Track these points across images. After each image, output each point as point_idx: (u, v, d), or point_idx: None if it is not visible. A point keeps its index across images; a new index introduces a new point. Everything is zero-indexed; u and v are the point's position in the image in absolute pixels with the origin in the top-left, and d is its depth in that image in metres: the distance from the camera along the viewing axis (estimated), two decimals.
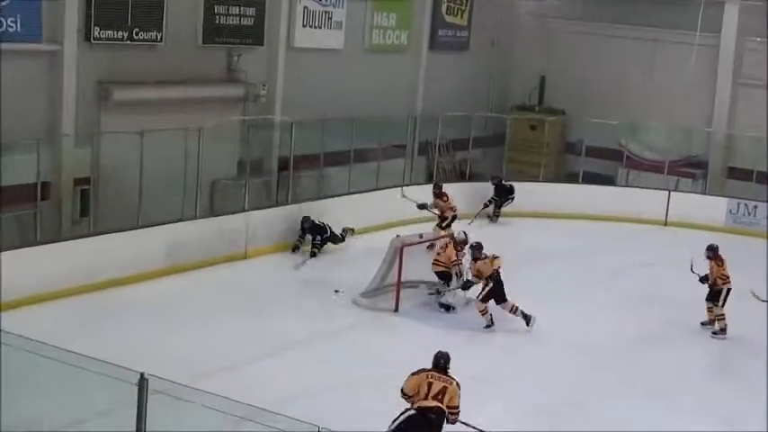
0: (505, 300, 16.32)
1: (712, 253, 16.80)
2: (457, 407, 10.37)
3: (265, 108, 22.52)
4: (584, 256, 21.55)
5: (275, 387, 12.32)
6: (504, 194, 24.62)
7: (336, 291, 17.04)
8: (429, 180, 25.81)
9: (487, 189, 24.63)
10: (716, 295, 16.63)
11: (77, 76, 18.42)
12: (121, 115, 19.02)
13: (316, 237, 19.89)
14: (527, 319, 16.17)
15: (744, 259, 19.38)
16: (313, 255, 19.65)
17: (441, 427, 10.27)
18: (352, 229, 20.64)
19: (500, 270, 16.34)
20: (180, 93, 20.35)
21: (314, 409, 11.04)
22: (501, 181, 24.85)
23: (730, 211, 25.23)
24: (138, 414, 6.98)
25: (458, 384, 10.45)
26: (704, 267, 16.82)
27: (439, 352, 10.77)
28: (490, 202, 24.45)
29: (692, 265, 16.66)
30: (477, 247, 16.68)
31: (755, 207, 25.00)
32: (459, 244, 17.38)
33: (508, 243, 21.96)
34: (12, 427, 7.52)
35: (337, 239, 20.31)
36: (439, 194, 21.60)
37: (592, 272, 20.04)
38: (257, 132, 21.77)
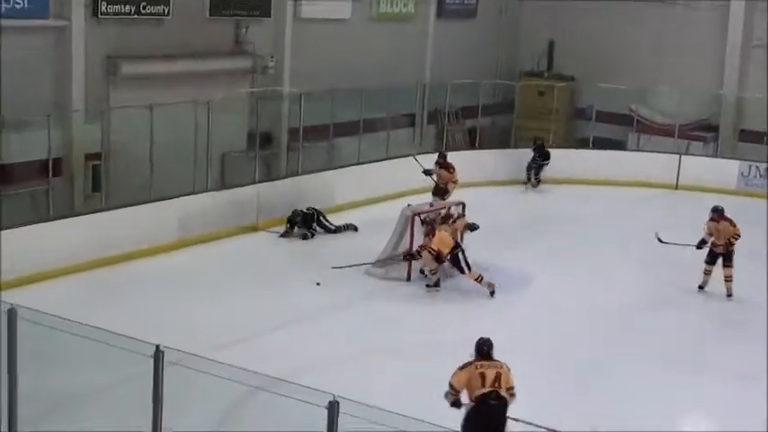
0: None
1: (718, 215, 16.57)
2: (513, 387, 9.86)
3: (274, 80, 22.54)
4: (596, 220, 21.56)
5: (289, 357, 12.37)
6: (544, 159, 24.47)
7: (318, 284, 16.26)
8: (439, 148, 25.84)
9: (496, 156, 24.62)
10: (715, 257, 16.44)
11: (86, 52, 18.46)
12: (130, 90, 19.07)
13: (311, 225, 19.44)
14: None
15: (756, 221, 19.37)
16: (305, 237, 19.27)
17: (505, 411, 9.74)
18: (356, 228, 19.90)
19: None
20: (188, 66, 20.37)
21: (327, 379, 11.14)
22: (543, 145, 24.70)
23: (742, 174, 25.17)
24: (154, 386, 7.06)
25: (508, 367, 9.99)
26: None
27: (481, 339, 10.15)
28: (531, 167, 24.35)
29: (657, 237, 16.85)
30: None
31: (767, 169, 24.94)
32: (467, 227, 17.10)
33: (522, 208, 22.09)
34: (29, 400, 7.61)
35: (329, 230, 19.70)
36: (444, 165, 21.11)
37: (605, 236, 20.04)
38: (266, 104, 21.79)
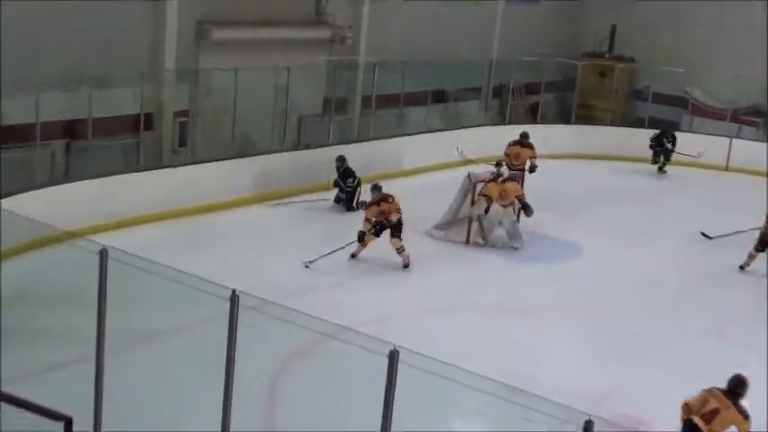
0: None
1: None
2: None
3: (350, 49, 22.54)
4: (651, 197, 21.30)
5: (351, 310, 12.45)
6: (674, 144, 23.58)
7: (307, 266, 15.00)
8: (502, 121, 25.77)
9: (560, 130, 24.39)
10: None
11: (179, 17, 18.59)
12: (218, 53, 19.20)
13: (347, 180, 18.31)
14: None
15: None
16: (338, 201, 18.40)
17: None
18: (365, 202, 17.05)
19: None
20: (272, 33, 20.42)
21: (385, 333, 11.24)
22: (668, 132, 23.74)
23: None
24: (229, 327, 7.16)
25: (745, 416, 8.73)
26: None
27: (736, 374, 9.02)
28: (658, 151, 23.54)
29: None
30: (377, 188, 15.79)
31: None
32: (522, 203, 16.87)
33: (578, 181, 21.86)
34: (114, 334, 7.78)
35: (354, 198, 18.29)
36: (527, 144, 19.60)
37: (659, 212, 19.79)
38: (342, 72, 21.87)
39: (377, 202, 15.39)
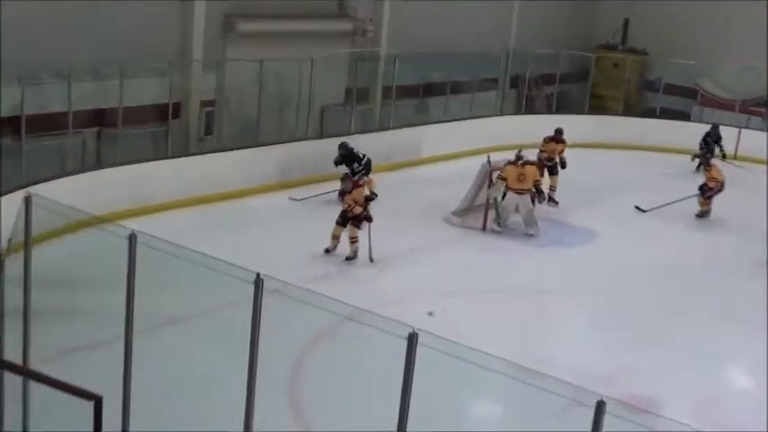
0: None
1: None
2: None
3: (371, 41, 22.43)
4: (660, 183, 21.03)
5: (370, 293, 12.39)
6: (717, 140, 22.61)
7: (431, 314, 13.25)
8: (518, 111, 25.62)
9: (575, 120, 24.24)
10: None
11: (207, 10, 18.51)
12: (244, 45, 19.12)
13: (353, 165, 17.27)
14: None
15: None
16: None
17: None
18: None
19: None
20: (296, 26, 20.33)
21: (402, 316, 11.18)
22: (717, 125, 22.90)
23: None
24: (253, 309, 7.09)
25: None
26: None
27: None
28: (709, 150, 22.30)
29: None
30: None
31: None
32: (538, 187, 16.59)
33: (593, 169, 21.67)
34: (142, 316, 7.74)
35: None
36: (560, 139, 18.94)
37: (668, 198, 19.55)
38: (363, 63, 21.77)
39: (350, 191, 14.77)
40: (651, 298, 13.95)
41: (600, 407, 5.78)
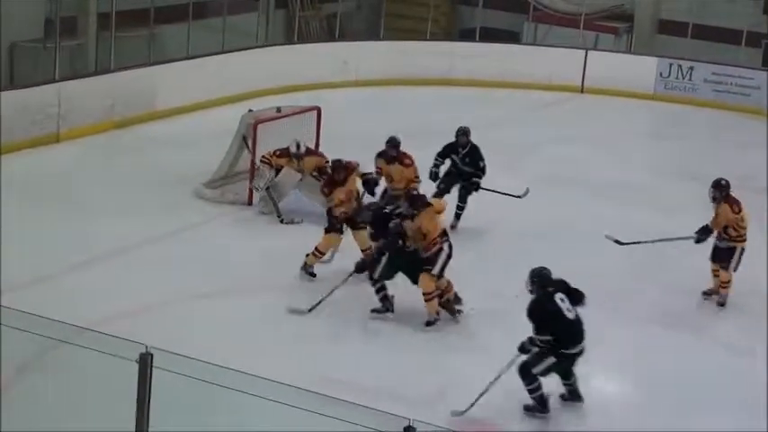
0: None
1: (720, 192, 13.88)
2: None
3: None
4: (487, 130, 21.34)
5: (97, 303, 12.41)
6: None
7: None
8: (289, 39, 25.84)
9: (366, 49, 24.60)
10: (724, 254, 14.12)
11: None
12: None
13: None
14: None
15: (678, 133, 19.75)
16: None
17: None
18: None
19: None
20: None
21: (145, 325, 11.25)
22: None
23: (660, 74, 25.79)
24: None
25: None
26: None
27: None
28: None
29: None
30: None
31: (691, 68, 25.57)
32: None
33: (398, 115, 22.06)
34: None
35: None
36: (397, 157, 15.78)
37: (500, 149, 19.89)
38: None
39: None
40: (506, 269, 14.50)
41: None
